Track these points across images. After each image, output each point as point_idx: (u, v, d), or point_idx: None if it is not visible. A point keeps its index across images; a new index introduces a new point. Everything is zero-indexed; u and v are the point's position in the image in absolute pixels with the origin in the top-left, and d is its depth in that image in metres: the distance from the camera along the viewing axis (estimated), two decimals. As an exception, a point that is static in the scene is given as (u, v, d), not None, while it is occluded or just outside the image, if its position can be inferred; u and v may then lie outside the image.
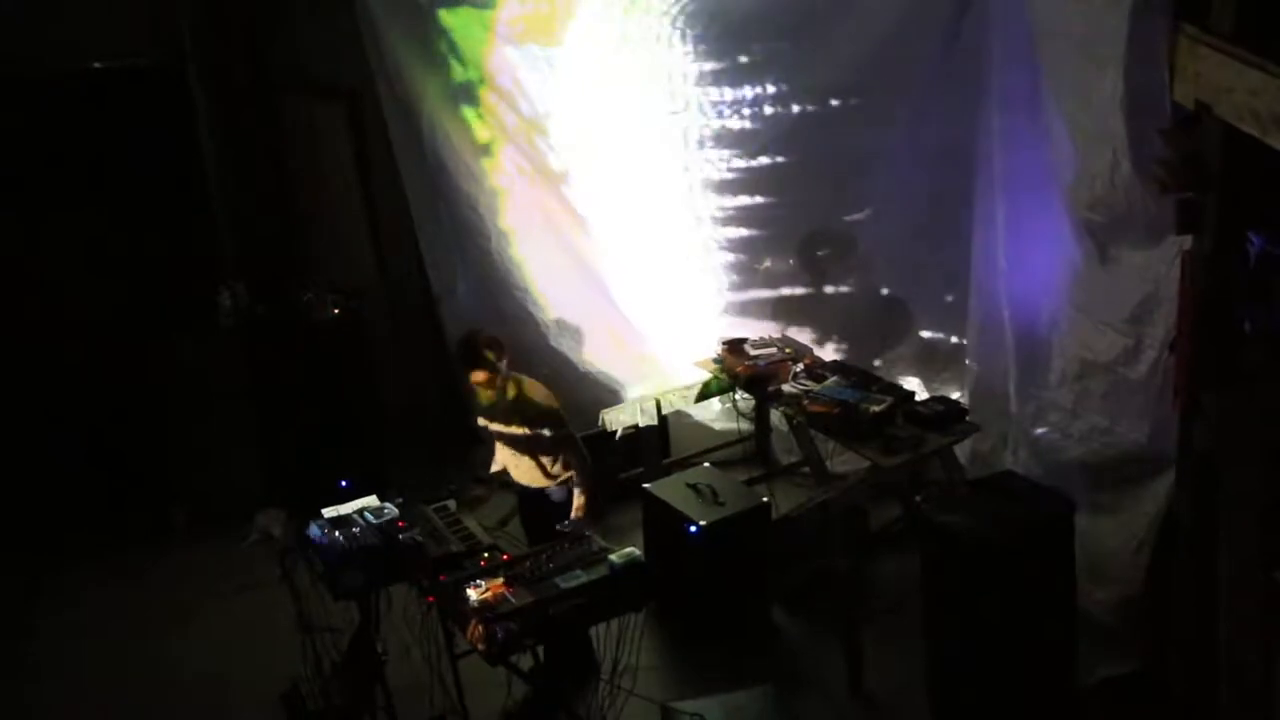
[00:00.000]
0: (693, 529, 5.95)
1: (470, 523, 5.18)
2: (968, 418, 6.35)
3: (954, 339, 7.24)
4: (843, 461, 7.04)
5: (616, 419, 7.31)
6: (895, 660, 5.66)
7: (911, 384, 7.08)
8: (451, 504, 5.34)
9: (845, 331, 7.57)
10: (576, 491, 5.61)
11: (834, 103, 7.08)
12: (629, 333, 7.90)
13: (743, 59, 7.15)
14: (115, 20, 7.50)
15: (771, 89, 7.16)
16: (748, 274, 7.69)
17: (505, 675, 5.03)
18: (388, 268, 8.31)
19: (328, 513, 5.16)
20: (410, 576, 4.95)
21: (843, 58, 6.89)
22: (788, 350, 7.07)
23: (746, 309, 7.70)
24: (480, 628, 4.43)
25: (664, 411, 7.38)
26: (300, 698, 5.38)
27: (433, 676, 4.97)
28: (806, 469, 7.34)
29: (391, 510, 5.16)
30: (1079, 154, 5.32)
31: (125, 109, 7.72)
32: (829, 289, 7.60)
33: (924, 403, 6.45)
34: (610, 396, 7.71)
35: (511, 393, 5.61)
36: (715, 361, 7.17)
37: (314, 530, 5.06)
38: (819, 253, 7.42)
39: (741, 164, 7.38)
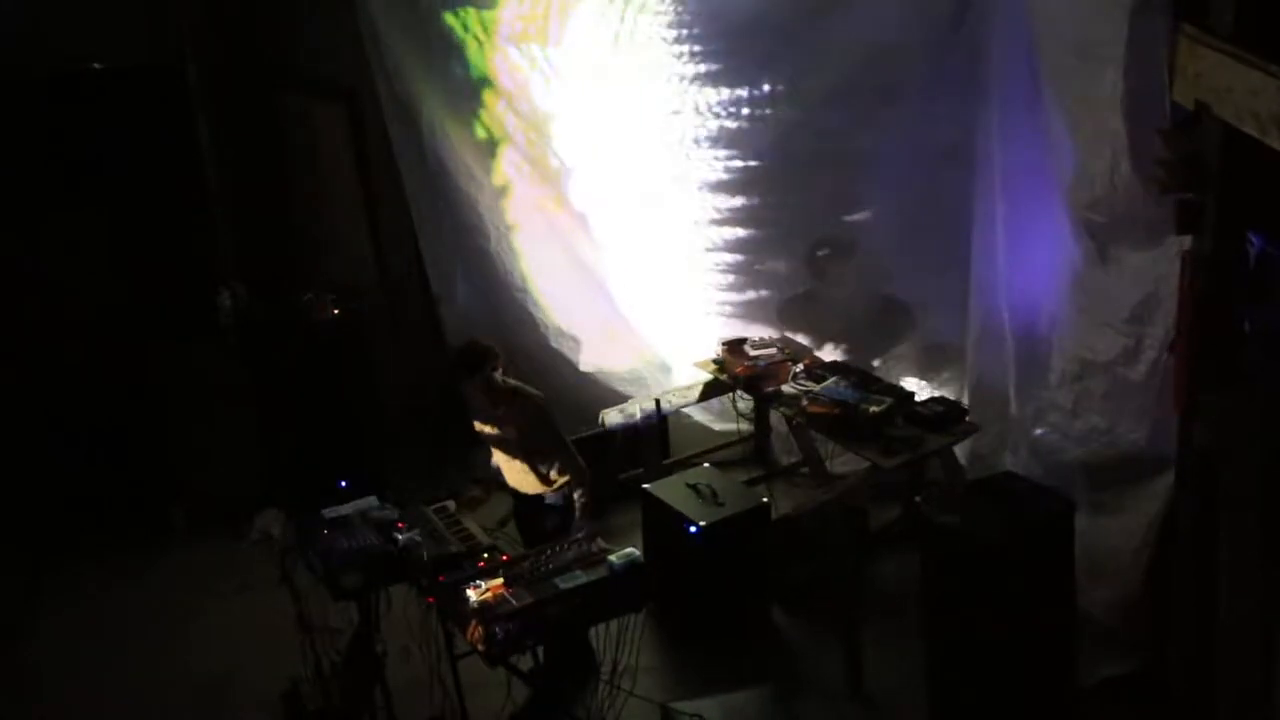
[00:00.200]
0: (692, 529, 5.95)
1: (470, 523, 5.19)
2: (967, 418, 6.36)
3: (954, 339, 7.24)
4: (842, 462, 7.03)
5: (616, 419, 7.31)
6: (895, 660, 5.66)
7: (911, 384, 7.08)
8: (451, 504, 5.35)
9: (845, 332, 7.56)
10: (576, 497, 5.61)
11: (833, 103, 7.07)
12: (628, 333, 7.90)
13: (742, 59, 7.15)
14: (115, 20, 7.51)
15: (770, 89, 7.15)
16: (747, 274, 7.68)
17: (505, 676, 5.02)
18: (388, 268, 8.31)
19: (327, 513, 5.16)
20: (410, 577, 4.95)
21: (842, 58, 6.88)
22: (787, 351, 7.08)
23: (746, 309, 7.69)
24: (480, 628, 4.43)
25: (664, 411, 7.38)
26: (300, 698, 5.38)
27: (432, 677, 4.96)
28: (806, 469, 7.34)
29: (391, 511, 5.16)
30: (1079, 154, 5.32)
31: (125, 109, 7.72)
32: (829, 289, 7.60)
33: (923, 403, 6.46)
34: (610, 396, 7.71)
35: (507, 399, 5.61)
36: (715, 362, 7.18)
37: (313, 531, 5.06)
38: (819, 253, 7.42)
39: (740, 164, 7.37)
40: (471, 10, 7.38)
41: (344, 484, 5.48)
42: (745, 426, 7.64)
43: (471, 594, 4.57)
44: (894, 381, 6.85)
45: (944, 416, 6.27)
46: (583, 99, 7.43)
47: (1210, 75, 4.05)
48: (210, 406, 7.59)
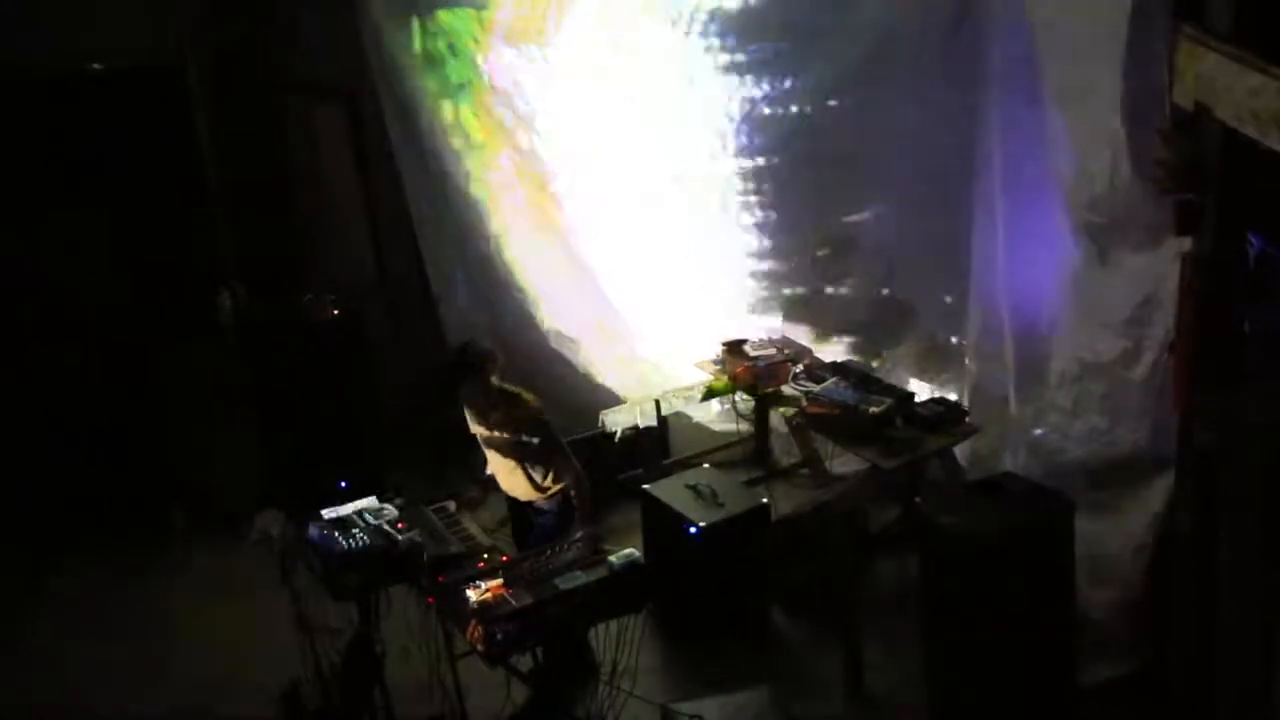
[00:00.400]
0: (692, 530, 5.95)
1: (470, 524, 5.19)
2: (967, 419, 6.37)
3: (954, 340, 7.24)
4: (842, 463, 7.03)
5: (616, 420, 7.31)
6: (895, 660, 5.66)
7: (911, 385, 7.08)
8: (451, 504, 5.35)
9: (845, 332, 7.57)
10: (575, 498, 5.61)
11: (833, 103, 7.08)
12: (628, 333, 7.90)
13: (741, 59, 7.15)
14: (115, 20, 7.50)
15: (770, 89, 7.16)
16: (747, 275, 7.69)
17: (505, 676, 5.03)
18: (388, 268, 8.31)
19: (327, 513, 5.16)
20: (410, 577, 4.95)
21: (842, 58, 6.89)
22: (787, 351, 7.08)
23: (746, 310, 7.69)
24: (479, 629, 4.43)
25: (664, 412, 7.38)
26: (300, 698, 5.38)
27: (432, 677, 4.97)
28: (806, 470, 7.34)
29: (391, 511, 5.16)
30: (1079, 154, 5.32)
31: (125, 109, 7.71)
32: (829, 289, 7.60)
33: (923, 404, 6.46)
34: (610, 397, 7.71)
35: (503, 404, 5.61)
36: (715, 363, 7.18)
37: (313, 531, 5.06)
38: (819, 253, 7.42)
39: (740, 164, 7.38)
40: (469, 10, 7.39)
41: (344, 484, 5.48)
42: (745, 427, 7.64)
43: (471, 594, 4.57)
44: (894, 382, 6.85)
45: (944, 417, 6.28)
46: (581, 99, 7.43)
47: (1210, 76, 4.05)
48: (210, 406, 7.59)
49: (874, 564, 6.35)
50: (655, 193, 7.57)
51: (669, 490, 6.30)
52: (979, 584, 4.96)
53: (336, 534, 4.98)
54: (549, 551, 4.85)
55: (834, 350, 7.40)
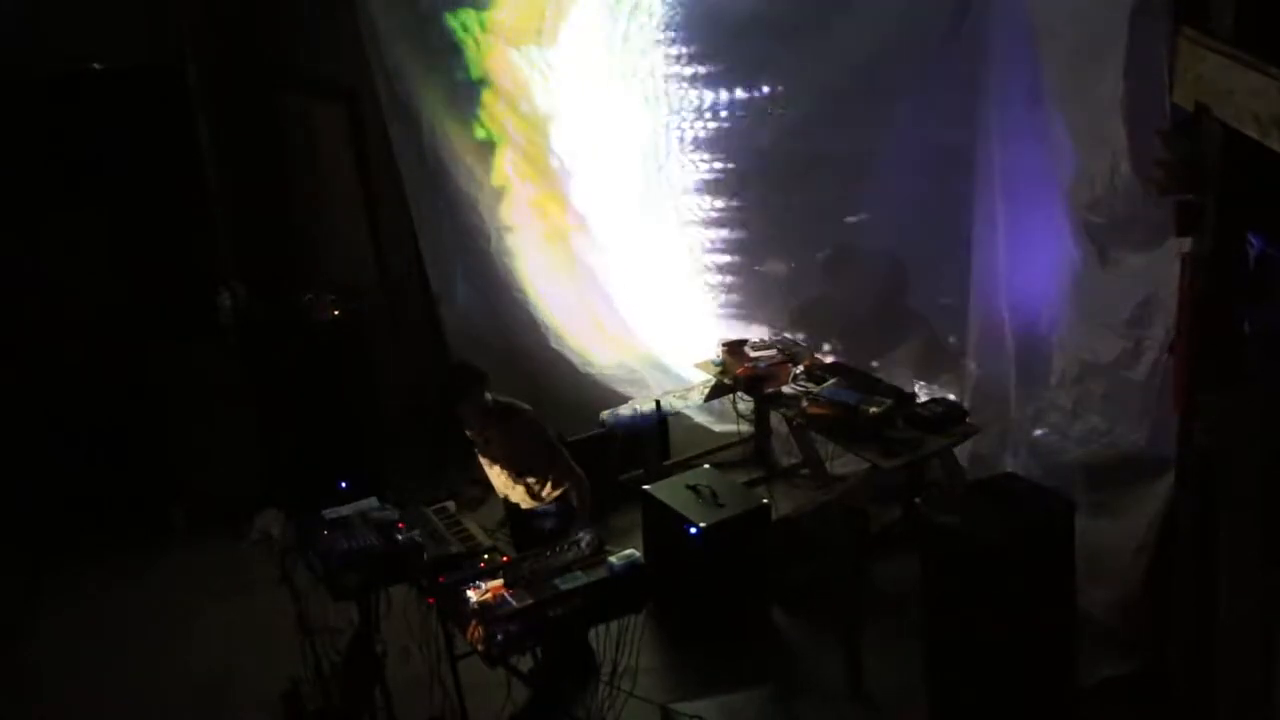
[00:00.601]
0: (693, 530, 5.95)
1: (470, 524, 5.19)
2: (968, 419, 6.36)
3: (954, 340, 7.24)
4: (843, 463, 7.03)
5: (616, 420, 7.30)
6: (895, 660, 5.65)
7: (912, 386, 7.08)
8: (451, 505, 5.35)
9: (845, 332, 7.57)
10: (575, 500, 5.61)
11: (832, 104, 7.08)
12: (628, 334, 7.90)
13: (741, 60, 7.16)
14: (115, 20, 7.50)
15: (770, 90, 7.16)
16: (747, 275, 7.69)
17: (505, 676, 5.03)
18: (388, 268, 8.31)
19: (327, 514, 5.16)
20: (410, 577, 4.95)
21: (841, 59, 6.88)
22: (787, 352, 7.08)
23: (746, 310, 7.70)
24: (480, 629, 4.43)
25: (664, 412, 7.38)
26: (300, 698, 5.38)
27: (432, 677, 4.96)
28: (806, 471, 7.34)
29: (391, 511, 5.16)
30: (1079, 155, 5.32)
31: (125, 109, 7.71)
32: (829, 290, 7.60)
33: (924, 404, 6.46)
34: (610, 397, 7.71)
35: (498, 418, 5.61)
36: (715, 363, 7.18)
37: (313, 531, 5.06)
38: (818, 254, 7.42)
39: (740, 165, 7.38)
40: (470, 10, 7.39)
41: (344, 484, 5.48)
42: (745, 428, 7.64)
43: (471, 595, 4.57)
44: (894, 383, 6.85)
45: (944, 418, 6.28)
46: (582, 100, 7.44)
47: (1211, 77, 4.05)
48: (210, 406, 7.59)
49: (874, 564, 6.35)
50: (655, 194, 7.57)
51: (669, 491, 6.30)
52: (979, 584, 4.96)
53: (336, 534, 4.98)
54: (549, 552, 4.85)
55: (833, 354, 7.39)
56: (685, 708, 5.10)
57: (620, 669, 4.76)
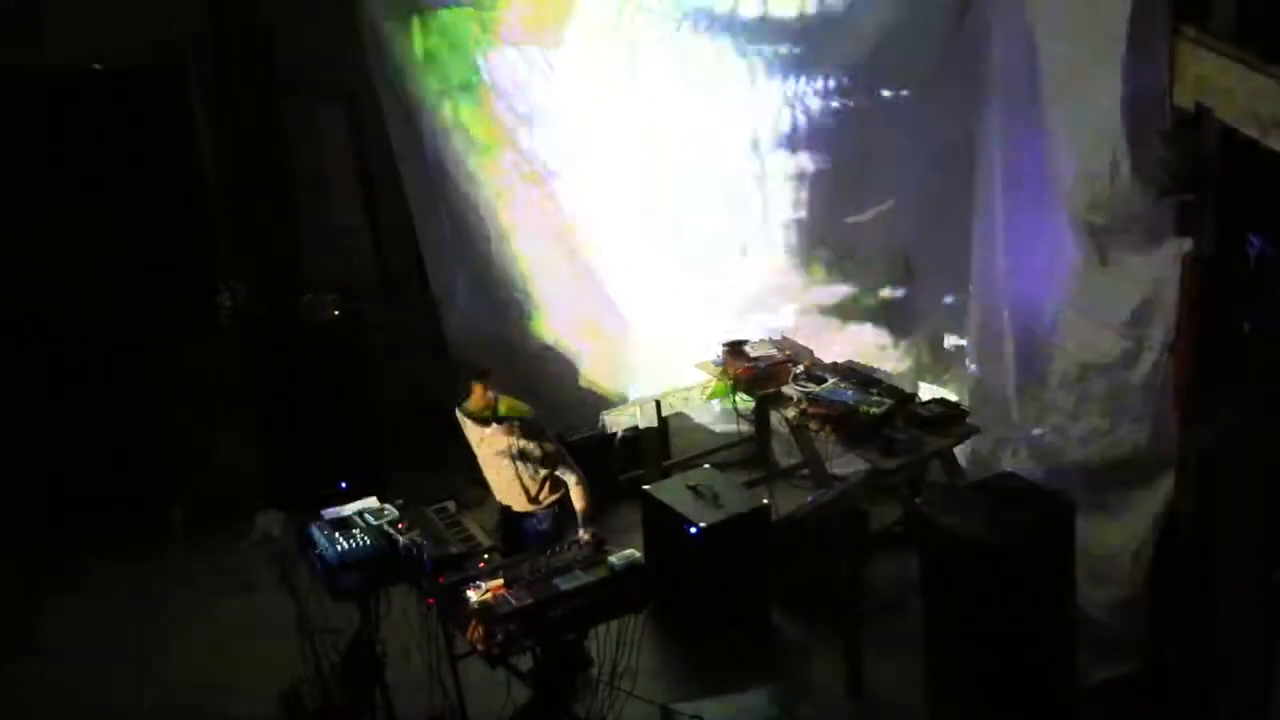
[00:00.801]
0: (693, 530, 5.95)
1: (470, 524, 5.19)
2: (968, 419, 6.36)
3: (954, 340, 7.24)
4: (843, 463, 7.03)
5: (617, 420, 7.30)
6: (895, 660, 5.66)
7: (912, 386, 7.08)
8: (451, 504, 5.35)
9: (845, 332, 7.56)
10: (576, 500, 5.61)
11: (833, 104, 7.08)
12: (628, 334, 7.89)
13: (741, 61, 7.15)
14: (115, 20, 7.49)
15: (771, 91, 7.15)
16: (748, 275, 7.68)
17: (505, 676, 5.02)
18: (388, 268, 8.30)
19: (327, 514, 5.16)
20: (410, 577, 4.95)
21: (842, 60, 6.89)
22: (788, 352, 7.07)
23: (746, 310, 7.69)
24: (480, 629, 4.43)
25: (664, 413, 7.37)
26: (300, 698, 5.38)
27: (432, 677, 4.97)
28: (806, 471, 7.34)
29: (391, 511, 5.16)
30: (1079, 155, 5.32)
31: (125, 109, 7.71)
32: (829, 290, 7.60)
33: (924, 404, 6.46)
34: (610, 398, 7.70)
35: (501, 412, 5.61)
36: (716, 363, 7.17)
37: (313, 531, 5.06)
38: (821, 254, 7.42)
39: (740, 165, 7.38)
40: (471, 10, 7.38)
41: (344, 484, 5.48)
42: (746, 428, 7.64)
43: (472, 595, 4.57)
44: (894, 383, 6.85)
45: (944, 418, 6.28)
46: (582, 100, 7.43)
47: (1211, 78, 4.06)
48: (210, 406, 7.59)
49: (874, 564, 6.35)
50: (655, 193, 7.56)
51: (670, 491, 6.31)
52: (979, 584, 4.96)
53: (336, 535, 4.98)
54: (549, 552, 4.85)
55: (839, 351, 7.38)
56: (685, 708, 5.09)
57: (620, 668, 4.76)
